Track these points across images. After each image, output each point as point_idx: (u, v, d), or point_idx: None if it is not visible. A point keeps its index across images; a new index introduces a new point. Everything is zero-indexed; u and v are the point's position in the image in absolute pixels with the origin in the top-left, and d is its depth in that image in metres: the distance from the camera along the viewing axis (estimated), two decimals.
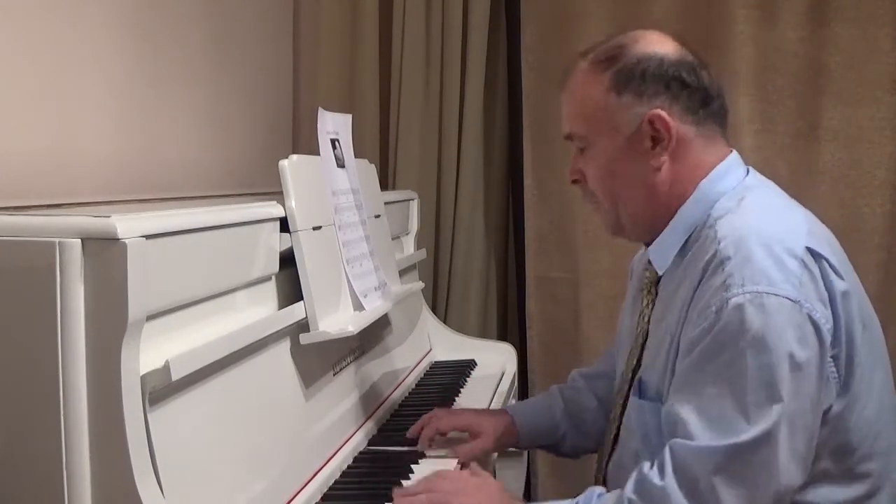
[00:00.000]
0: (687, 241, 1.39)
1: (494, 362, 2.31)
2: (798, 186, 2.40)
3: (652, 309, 1.45)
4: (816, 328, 1.24)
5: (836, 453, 1.31)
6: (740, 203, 1.35)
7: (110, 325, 1.03)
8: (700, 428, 1.23)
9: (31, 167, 1.60)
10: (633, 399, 1.43)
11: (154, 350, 1.10)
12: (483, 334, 2.71)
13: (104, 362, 1.03)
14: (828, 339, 1.26)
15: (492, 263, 2.81)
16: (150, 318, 1.09)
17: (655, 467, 1.25)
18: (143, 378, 1.07)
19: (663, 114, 1.35)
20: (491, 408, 1.95)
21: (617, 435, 1.49)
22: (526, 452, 2.38)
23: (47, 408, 1.02)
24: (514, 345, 2.47)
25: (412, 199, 2.46)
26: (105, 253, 1.02)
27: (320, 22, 2.69)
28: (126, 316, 1.02)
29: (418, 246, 2.48)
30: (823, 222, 1.43)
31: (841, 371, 1.28)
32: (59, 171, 1.69)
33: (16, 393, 1.04)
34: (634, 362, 1.47)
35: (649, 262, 1.47)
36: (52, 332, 1.02)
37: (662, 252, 1.42)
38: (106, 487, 1.02)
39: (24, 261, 1.03)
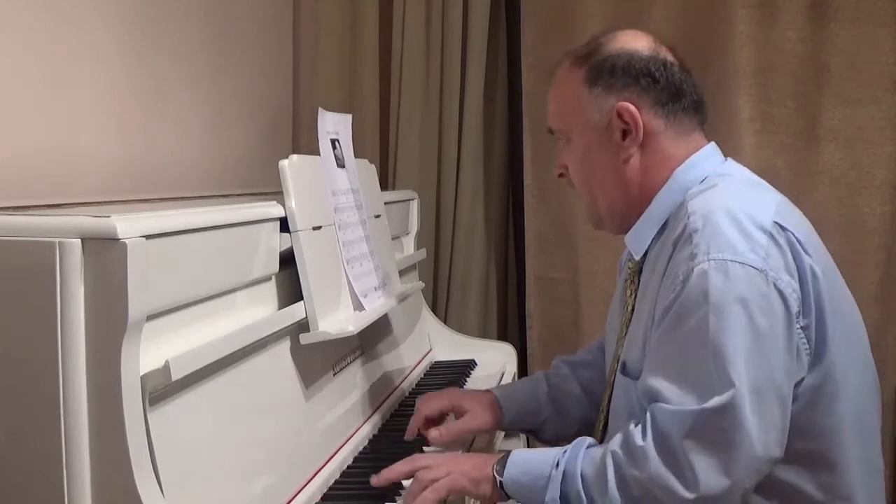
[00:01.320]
0: (663, 226, 1.43)
1: (494, 362, 2.31)
2: (798, 186, 2.41)
3: (635, 298, 1.48)
4: (783, 297, 1.27)
5: (827, 436, 1.33)
6: (712, 187, 1.39)
7: (110, 325, 1.03)
8: (673, 392, 1.27)
9: (31, 167, 1.60)
10: (619, 377, 1.45)
11: (154, 350, 1.10)
12: (483, 334, 2.71)
13: (104, 362, 1.03)
14: (795, 308, 1.28)
15: (492, 263, 2.81)
16: (150, 318, 1.09)
17: (640, 427, 1.28)
18: (143, 378, 1.07)
19: (630, 106, 1.41)
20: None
21: (606, 423, 1.52)
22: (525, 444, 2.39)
23: (47, 408, 1.02)
24: (514, 345, 2.46)
25: (412, 199, 2.46)
26: (105, 253, 1.02)
27: (320, 22, 2.69)
28: (126, 316, 1.02)
29: (418, 246, 2.48)
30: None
31: (812, 343, 1.31)
32: (59, 171, 1.69)
33: (16, 393, 1.04)
34: (621, 348, 1.49)
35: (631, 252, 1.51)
36: (52, 332, 1.02)
37: (638, 239, 1.47)
38: (106, 487, 1.02)
39: (24, 261, 1.03)
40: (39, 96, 1.65)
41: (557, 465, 1.32)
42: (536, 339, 2.73)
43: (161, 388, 1.10)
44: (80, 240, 1.02)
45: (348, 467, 1.56)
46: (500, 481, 1.36)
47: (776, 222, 1.31)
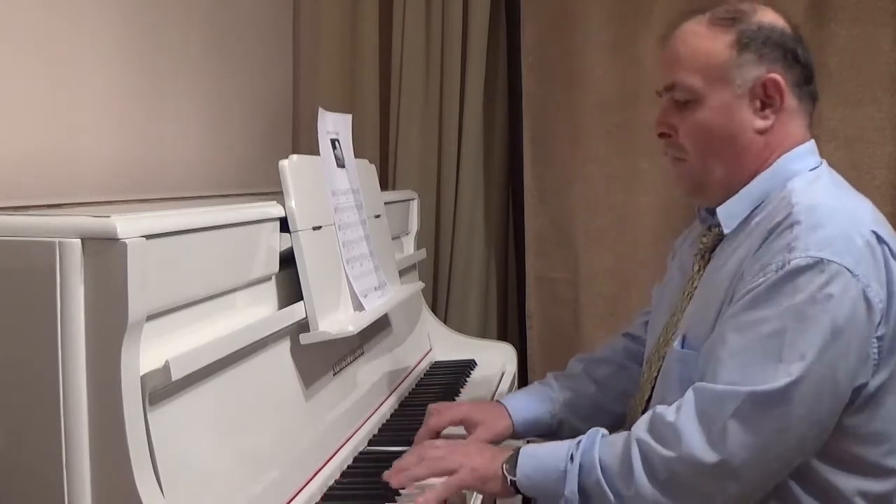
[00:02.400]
0: (754, 209, 1.43)
1: (494, 362, 2.31)
2: None
3: (702, 273, 1.49)
4: (868, 304, 1.28)
5: (868, 440, 1.33)
6: (815, 182, 1.41)
7: (110, 325, 1.03)
8: (729, 369, 1.28)
9: (31, 167, 1.60)
10: (675, 350, 1.44)
11: (154, 350, 1.10)
12: (483, 334, 2.71)
13: (104, 362, 1.03)
14: (877, 318, 1.29)
15: (492, 263, 2.81)
16: (150, 318, 1.09)
17: (672, 407, 1.29)
18: (143, 378, 1.07)
19: (780, 80, 1.41)
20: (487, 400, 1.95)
21: (650, 398, 1.51)
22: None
23: (47, 408, 1.02)
24: (514, 345, 2.46)
25: (412, 199, 2.46)
26: (105, 253, 1.02)
27: (320, 22, 2.69)
28: (126, 316, 1.02)
29: (418, 246, 2.48)
30: None
31: (883, 353, 1.31)
32: (59, 171, 1.69)
33: (16, 393, 1.04)
34: (676, 322, 1.50)
35: (709, 228, 1.51)
36: (52, 332, 1.02)
37: (732, 213, 1.45)
38: (106, 487, 1.03)
39: (24, 261, 1.03)
40: (39, 96, 1.65)
41: (572, 458, 1.33)
42: (536, 339, 2.72)
43: (161, 388, 1.10)
44: (80, 240, 1.02)
45: (348, 467, 1.56)
46: (512, 480, 1.36)
47: (874, 231, 1.33)
